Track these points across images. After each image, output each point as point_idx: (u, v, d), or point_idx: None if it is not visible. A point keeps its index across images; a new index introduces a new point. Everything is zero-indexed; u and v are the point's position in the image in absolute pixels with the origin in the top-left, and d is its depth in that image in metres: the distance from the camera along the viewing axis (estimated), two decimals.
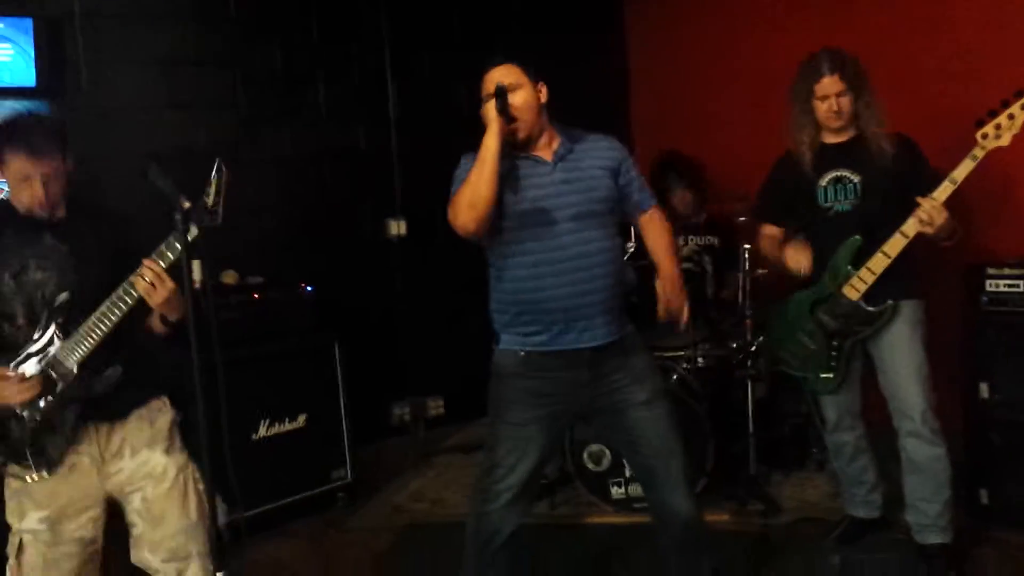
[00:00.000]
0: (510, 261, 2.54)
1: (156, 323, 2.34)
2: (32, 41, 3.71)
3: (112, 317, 2.24)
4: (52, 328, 2.28)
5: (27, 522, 2.31)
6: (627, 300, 2.68)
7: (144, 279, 2.18)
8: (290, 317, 3.90)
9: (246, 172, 4.22)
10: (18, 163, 2.24)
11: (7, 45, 3.69)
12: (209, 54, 4.30)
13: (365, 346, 4.31)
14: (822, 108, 2.99)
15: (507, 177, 2.49)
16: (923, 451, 3.00)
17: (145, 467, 2.40)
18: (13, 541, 2.32)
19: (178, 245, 2.17)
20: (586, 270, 2.49)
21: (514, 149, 2.52)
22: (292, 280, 4.00)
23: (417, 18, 4.90)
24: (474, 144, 2.45)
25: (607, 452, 3.66)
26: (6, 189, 2.32)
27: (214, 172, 2.17)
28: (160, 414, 2.46)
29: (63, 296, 2.29)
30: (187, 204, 2.01)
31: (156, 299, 2.21)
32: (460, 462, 4.51)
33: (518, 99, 2.48)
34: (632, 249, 4.13)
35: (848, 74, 2.94)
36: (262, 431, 3.70)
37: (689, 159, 4.55)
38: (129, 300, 2.23)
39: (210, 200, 2.17)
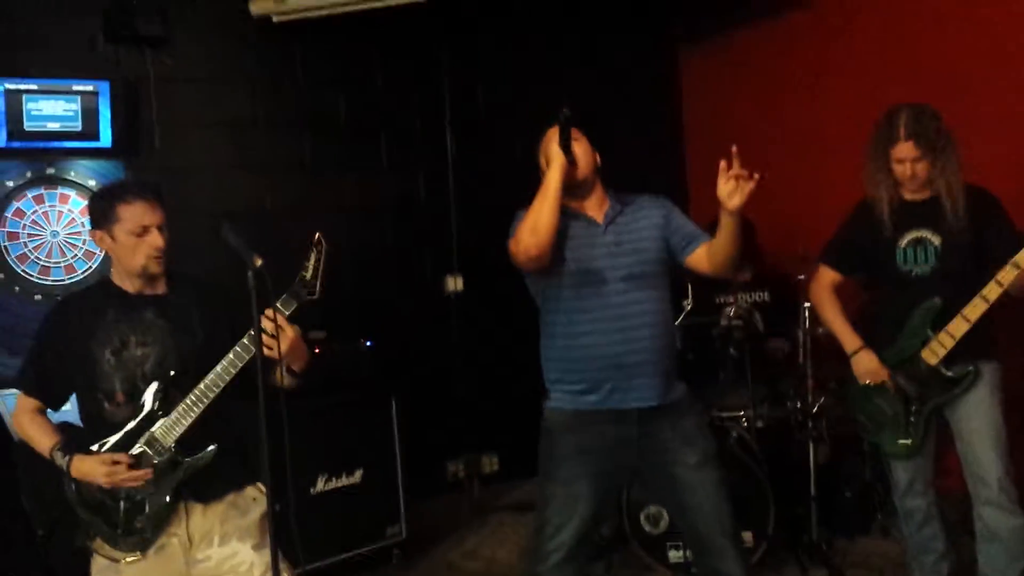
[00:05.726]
0: (561, 318, 2.58)
1: (281, 377, 2.26)
2: (109, 103, 3.87)
3: (215, 389, 2.24)
4: (153, 405, 2.26)
5: None
6: (681, 359, 2.67)
7: (265, 332, 2.13)
8: (350, 371, 3.94)
9: (313, 227, 4.35)
10: (136, 211, 2.23)
11: None
12: (277, 114, 4.42)
13: (421, 402, 4.33)
14: (897, 170, 2.92)
15: (560, 236, 2.53)
16: (1000, 520, 2.90)
17: (232, 560, 2.34)
18: None
19: (295, 300, 2.19)
20: (635, 330, 2.52)
21: (568, 193, 2.54)
22: (353, 334, 4.05)
23: (476, 65, 4.99)
24: (528, 197, 2.50)
25: (664, 514, 3.59)
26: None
27: (313, 246, 2.18)
28: (255, 505, 2.40)
29: (164, 372, 2.27)
30: (259, 262, 2.02)
31: (282, 348, 2.15)
32: (514, 520, 4.46)
33: (578, 148, 2.54)
34: (689, 307, 4.13)
35: (925, 140, 2.84)
36: (320, 486, 3.71)
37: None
38: (238, 364, 2.22)
39: (308, 274, 2.18)
